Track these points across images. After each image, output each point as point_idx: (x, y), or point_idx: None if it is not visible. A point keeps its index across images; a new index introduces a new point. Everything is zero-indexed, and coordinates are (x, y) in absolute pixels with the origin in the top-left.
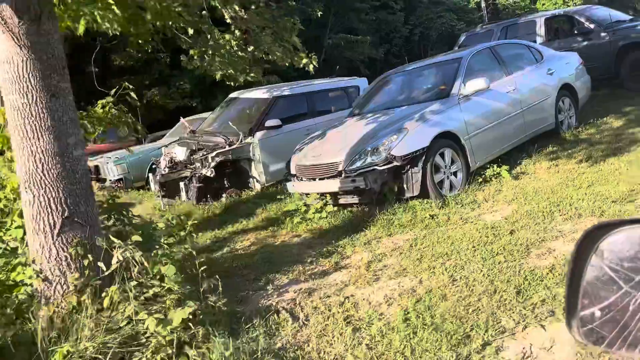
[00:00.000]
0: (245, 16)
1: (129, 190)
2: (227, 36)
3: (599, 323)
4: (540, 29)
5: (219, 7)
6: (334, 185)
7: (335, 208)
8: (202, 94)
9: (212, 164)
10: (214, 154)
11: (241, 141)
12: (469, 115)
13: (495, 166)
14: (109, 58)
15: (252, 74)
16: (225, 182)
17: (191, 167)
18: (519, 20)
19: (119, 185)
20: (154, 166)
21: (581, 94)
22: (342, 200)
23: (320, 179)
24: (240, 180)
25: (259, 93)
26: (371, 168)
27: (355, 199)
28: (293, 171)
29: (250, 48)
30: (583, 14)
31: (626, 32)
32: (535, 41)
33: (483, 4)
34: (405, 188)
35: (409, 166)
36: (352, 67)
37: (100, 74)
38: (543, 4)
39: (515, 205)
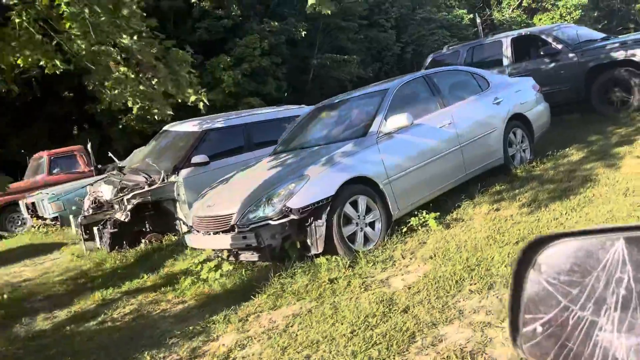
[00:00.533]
0: (134, 47)
1: (64, 228)
2: (122, 69)
3: (541, 339)
4: (507, 50)
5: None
6: (225, 241)
7: (233, 266)
8: (179, 118)
9: (129, 207)
10: (129, 195)
11: (163, 180)
12: (389, 157)
13: (424, 213)
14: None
15: (156, 109)
16: (147, 226)
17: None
18: (485, 41)
19: (57, 223)
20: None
21: (537, 124)
22: (242, 257)
23: (214, 233)
24: (166, 222)
25: (190, 126)
26: (264, 222)
27: (255, 256)
28: (190, 222)
29: (154, 81)
30: (550, 33)
31: (595, 53)
32: (501, 63)
33: (478, 20)
34: (309, 244)
35: (312, 218)
36: (341, 86)
37: (75, 98)
38: (540, 19)
39: (429, 266)
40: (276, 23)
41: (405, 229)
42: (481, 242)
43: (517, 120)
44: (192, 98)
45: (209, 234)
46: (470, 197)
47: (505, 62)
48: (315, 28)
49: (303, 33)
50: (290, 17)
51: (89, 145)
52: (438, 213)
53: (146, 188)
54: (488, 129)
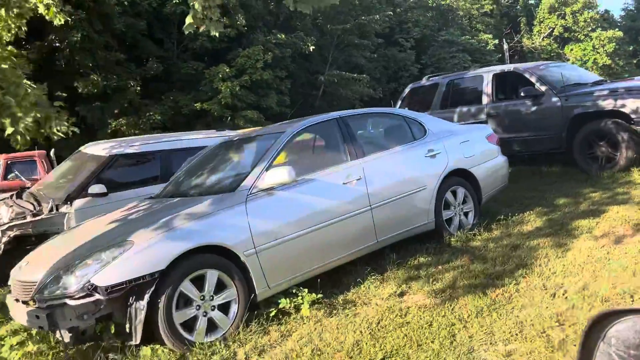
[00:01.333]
0: None
1: None
2: None
3: None
4: (487, 87)
5: None
6: (22, 315)
7: (43, 345)
8: (175, 125)
9: (3, 239)
10: (5, 226)
11: (51, 210)
12: (260, 220)
13: (305, 291)
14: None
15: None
16: None
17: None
18: (465, 75)
19: None
20: None
21: (487, 182)
22: (58, 335)
23: (23, 302)
24: None
25: (99, 148)
26: (61, 301)
27: (66, 336)
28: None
29: None
30: (535, 72)
31: (581, 100)
32: (481, 101)
33: (505, 46)
34: (127, 330)
35: (133, 298)
36: (350, 105)
37: (68, 99)
38: (571, 50)
39: None
40: (283, 35)
41: (274, 312)
42: (350, 349)
43: (460, 177)
44: (54, 129)
45: (18, 302)
46: (381, 271)
47: (485, 100)
48: (329, 43)
49: (311, 47)
50: (300, 31)
51: (52, 152)
52: (320, 294)
53: (28, 219)
54: (414, 187)
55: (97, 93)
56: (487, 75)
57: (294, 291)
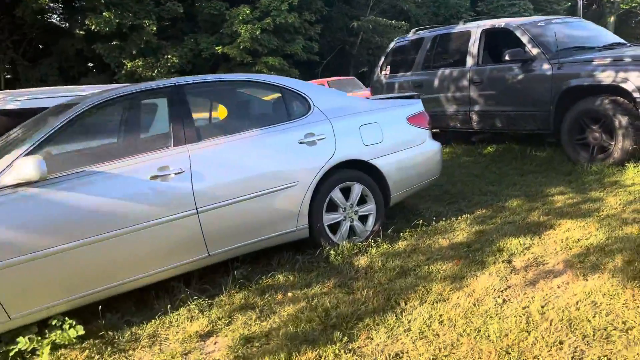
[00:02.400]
0: None
1: None
2: None
3: None
4: (474, 46)
5: None
6: None
7: None
8: (195, 69)
9: None
10: None
11: None
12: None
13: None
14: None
15: None
16: None
17: None
18: (453, 29)
19: None
20: None
21: (400, 177)
22: None
23: None
24: None
25: None
26: None
27: None
28: None
29: None
30: (529, 30)
31: (576, 69)
32: (464, 62)
33: None
34: None
35: None
36: None
37: (85, 37)
38: None
39: None
40: None
41: (13, 354)
42: None
43: (357, 170)
44: None
45: None
46: (215, 292)
47: (469, 62)
48: None
49: None
50: None
51: None
52: (54, 336)
53: None
54: (277, 183)
55: (109, 32)
56: (475, 32)
57: (54, 322)
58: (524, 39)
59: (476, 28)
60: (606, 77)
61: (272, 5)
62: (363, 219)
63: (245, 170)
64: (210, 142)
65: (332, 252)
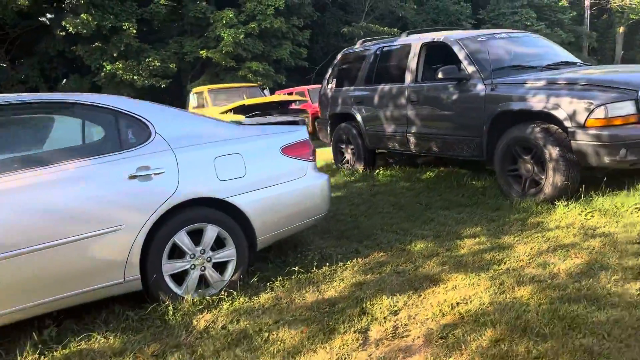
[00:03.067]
0: None
1: None
2: None
3: None
4: (413, 61)
5: None
6: None
7: None
8: (179, 73)
9: None
10: None
11: None
12: None
13: None
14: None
15: None
16: None
17: None
18: (395, 42)
19: None
20: None
21: (270, 217)
22: None
23: None
24: None
25: None
26: None
27: None
28: None
29: None
30: (467, 45)
31: (510, 90)
32: (404, 79)
33: (587, 2)
34: None
35: None
36: None
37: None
38: None
39: None
40: None
41: None
42: None
43: (211, 209)
44: None
45: None
46: None
47: (408, 79)
48: None
49: None
50: None
51: None
52: None
53: None
54: (94, 228)
55: (87, 34)
56: (415, 46)
57: None
58: (461, 55)
59: (417, 41)
60: (537, 102)
61: (258, 10)
62: (221, 266)
63: (50, 212)
64: (5, 177)
65: (170, 307)
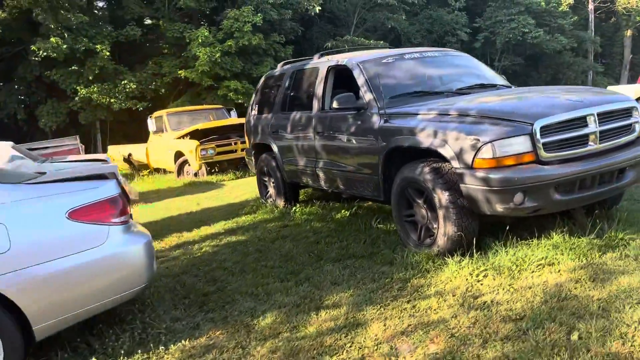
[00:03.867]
0: None
1: None
2: None
3: None
4: (319, 87)
5: None
6: None
7: None
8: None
9: None
10: None
11: None
12: None
13: None
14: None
15: None
16: None
17: None
18: (307, 65)
19: None
20: None
21: (49, 302)
22: None
23: None
24: None
25: None
26: None
27: None
28: None
29: None
30: (368, 68)
31: (400, 124)
32: (312, 106)
33: (590, 6)
34: None
35: None
36: None
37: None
38: None
39: None
40: None
41: None
42: None
43: None
44: None
45: None
46: None
47: (315, 107)
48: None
49: (317, 8)
50: None
51: None
52: None
53: None
54: None
55: (57, 57)
56: (322, 69)
57: None
58: (360, 81)
59: (324, 64)
60: (426, 137)
61: (235, 27)
62: None
63: None
64: None
65: None
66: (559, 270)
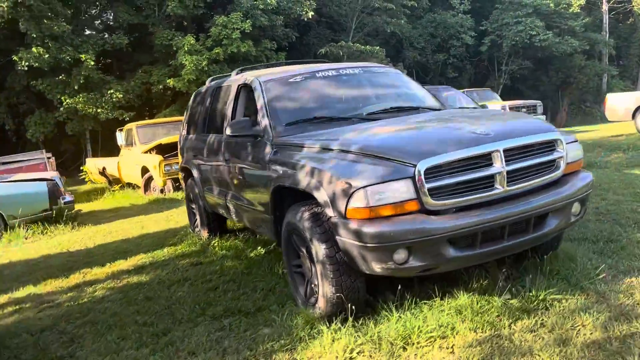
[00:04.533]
0: None
1: None
2: None
3: None
4: (230, 107)
5: None
6: None
7: None
8: (146, 104)
9: None
10: None
11: None
12: None
13: None
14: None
15: None
16: None
17: None
18: (223, 82)
19: None
20: None
21: None
22: None
23: None
24: None
25: None
26: None
27: None
28: None
29: None
30: (269, 89)
31: (287, 157)
32: (222, 129)
33: (605, 6)
34: None
35: None
36: None
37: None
38: None
39: None
40: (274, 0)
41: None
42: None
43: None
44: None
45: None
46: None
47: (226, 130)
48: (353, 7)
49: (310, 14)
50: None
51: None
52: None
53: None
54: None
55: (44, 67)
56: (234, 87)
57: None
58: (259, 103)
59: (235, 82)
60: (304, 176)
61: (223, 34)
62: None
63: None
64: None
65: None
66: (452, 347)
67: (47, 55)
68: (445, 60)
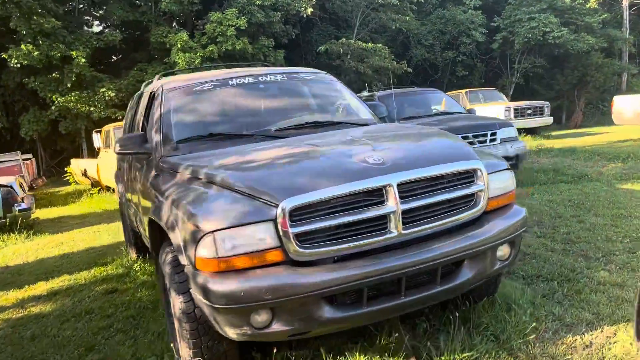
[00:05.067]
0: None
1: None
2: None
3: None
4: (141, 116)
5: None
6: None
7: None
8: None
9: None
10: None
11: None
12: None
13: None
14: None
15: None
16: None
17: None
18: (145, 89)
19: None
20: None
21: None
22: None
23: None
24: None
25: None
26: None
27: None
28: None
29: None
30: (168, 98)
31: (159, 185)
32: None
33: (625, 2)
34: None
35: None
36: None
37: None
38: None
39: None
40: None
41: None
42: None
43: None
44: None
45: None
46: None
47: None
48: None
49: (309, 10)
50: None
51: None
52: None
53: None
54: None
55: (34, 64)
56: (146, 95)
57: None
58: (156, 115)
59: (148, 90)
60: (166, 210)
61: (218, 31)
62: None
63: None
64: None
65: None
66: None
67: (36, 53)
68: (455, 58)
